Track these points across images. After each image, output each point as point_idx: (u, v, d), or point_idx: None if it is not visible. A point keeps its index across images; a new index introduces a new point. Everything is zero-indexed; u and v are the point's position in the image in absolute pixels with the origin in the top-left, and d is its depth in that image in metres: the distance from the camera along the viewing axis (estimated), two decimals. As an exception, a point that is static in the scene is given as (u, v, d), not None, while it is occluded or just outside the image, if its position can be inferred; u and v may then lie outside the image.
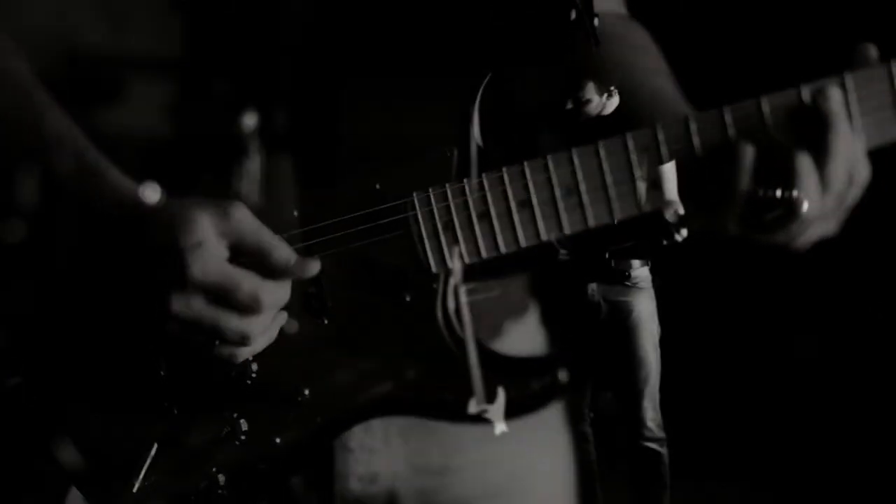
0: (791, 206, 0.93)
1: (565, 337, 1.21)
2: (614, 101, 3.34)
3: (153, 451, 1.04)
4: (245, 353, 0.98)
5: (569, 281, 1.20)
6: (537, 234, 1.01)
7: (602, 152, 0.99)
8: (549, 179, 0.99)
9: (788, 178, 0.93)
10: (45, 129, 0.99)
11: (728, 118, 0.96)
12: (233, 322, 0.94)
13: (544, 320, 1.21)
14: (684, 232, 3.48)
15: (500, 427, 1.03)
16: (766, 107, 0.96)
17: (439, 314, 1.03)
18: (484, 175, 1.01)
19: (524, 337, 1.17)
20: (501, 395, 1.03)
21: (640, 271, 3.96)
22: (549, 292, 1.20)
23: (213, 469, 1.05)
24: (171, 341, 0.97)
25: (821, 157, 0.93)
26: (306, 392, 1.04)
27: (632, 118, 1.17)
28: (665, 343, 4.02)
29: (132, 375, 1.04)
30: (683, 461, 4.13)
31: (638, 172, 0.98)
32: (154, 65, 1.08)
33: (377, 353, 1.05)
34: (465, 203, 1.01)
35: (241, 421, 1.05)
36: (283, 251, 0.96)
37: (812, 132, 0.94)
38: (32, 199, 0.98)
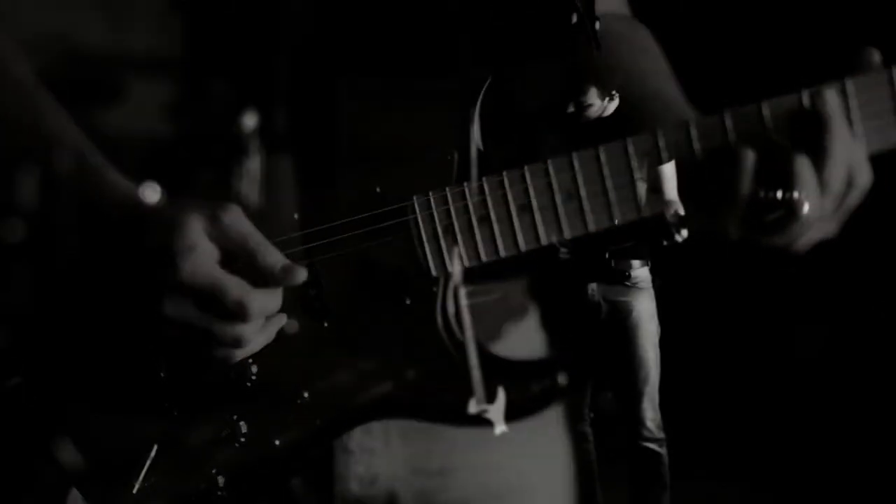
0: (792, 208, 0.94)
1: (565, 338, 1.20)
2: (615, 104, 3.34)
3: (153, 452, 1.04)
4: (240, 354, 0.98)
5: (569, 281, 1.20)
6: (537, 239, 1.01)
7: (603, 157, 0.98)
8: (550, 184, 0.99)
9: (788, 180, 0.93)
10: (45, 129, 0.99)
11: (729, 123, 0.96)
12: (223, 327, 0.94)
13: (544, 322, 1.20)
14: (684, 232, 3.48)
15: (500, 429, 1.03)
16: (766, 111, 0.96)
17: (439, 317, 1.03)
18: (484, 179, 1.01)
19: (524, 339, 1.16)
20: (501, 397, 1.03)
21: (640, 271, 3.96)
22: (549, 293, 1.20)
23: (213, 470, 1.05)
24: (167, 342, 0.97)
25: (819, 159, 0.93)
26: (306, 394, 1.04)
27: (632, 119, 1.17)
28: (665, 343, 4.02)
29: (132, 376, 1.04)
30: (683, 461, 4.13)
31: (638, 177, 0.98)
32: (154, 65, 1.08)
33: (377, 355, 1.04)
34: (466, 207, 1.01)
35: (241, 422, 1.04)
36: (270, 256, 0.94)
37: (810, 134, 0.94)
38: (32, 199, 0.98)
